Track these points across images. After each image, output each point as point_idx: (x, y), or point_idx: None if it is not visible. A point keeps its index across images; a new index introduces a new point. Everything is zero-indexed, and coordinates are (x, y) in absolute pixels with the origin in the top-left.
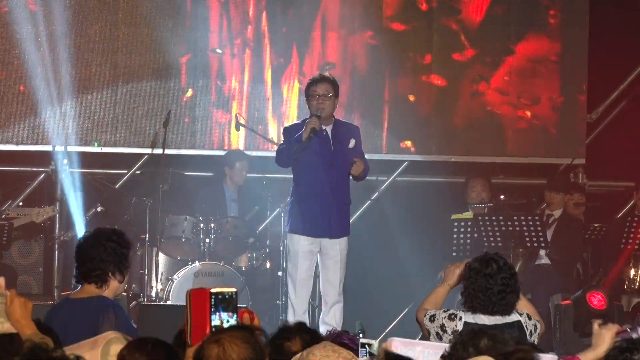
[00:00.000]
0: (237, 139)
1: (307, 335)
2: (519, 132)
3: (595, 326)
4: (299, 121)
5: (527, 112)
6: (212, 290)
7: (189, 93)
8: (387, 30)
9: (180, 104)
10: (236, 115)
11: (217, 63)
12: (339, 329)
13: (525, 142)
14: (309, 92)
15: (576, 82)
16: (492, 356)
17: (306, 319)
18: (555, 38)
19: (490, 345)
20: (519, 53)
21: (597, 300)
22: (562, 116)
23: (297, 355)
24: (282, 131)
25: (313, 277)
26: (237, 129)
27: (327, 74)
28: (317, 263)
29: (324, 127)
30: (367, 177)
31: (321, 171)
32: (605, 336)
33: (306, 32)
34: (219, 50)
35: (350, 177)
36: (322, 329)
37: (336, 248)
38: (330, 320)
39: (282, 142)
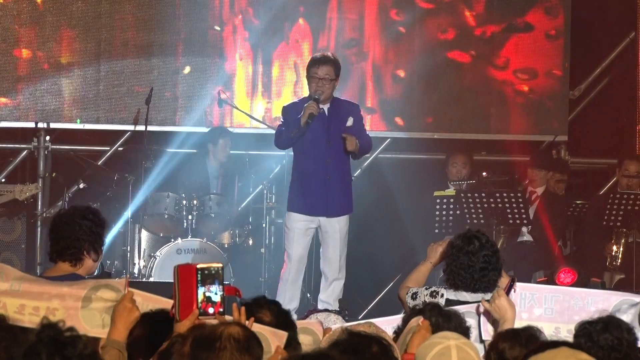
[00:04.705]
0: (220, 116)
1: (274, 306)
2: (501, 109)
3: (486, 305)
4: (297, 100)
5: (510, 89)
6: (199, 266)
7: (172, 70)
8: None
9: (163, 80)
10: (219, 92)
11: (205, 40)
12: (334, 305)
13: (508, 118)
14: (309, 73)
15: (559, 58)
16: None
17: (297, 290)
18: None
19: (436, 322)
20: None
21: (565, 277)
22: (544, 93)
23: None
24: (281, 111)
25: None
26: (220, 106)
27: (329, 53)
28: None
29: (321, 107)
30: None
31: (317, 150)
32: (503, 305)
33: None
34: (217, 28)
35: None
36: (320, 306)
37: (335, 226)
38: (327, 297)
39: (281, 121)
